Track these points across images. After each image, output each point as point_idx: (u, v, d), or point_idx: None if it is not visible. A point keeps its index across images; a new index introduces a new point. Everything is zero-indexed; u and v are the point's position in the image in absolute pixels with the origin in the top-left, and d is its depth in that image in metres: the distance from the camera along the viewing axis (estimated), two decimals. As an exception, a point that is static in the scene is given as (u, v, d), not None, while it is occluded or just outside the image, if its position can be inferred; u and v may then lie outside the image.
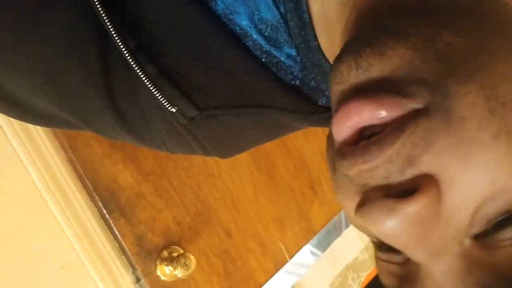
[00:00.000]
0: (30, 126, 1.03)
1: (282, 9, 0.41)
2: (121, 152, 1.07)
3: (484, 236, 0.29)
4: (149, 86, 0.44)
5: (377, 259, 0.35)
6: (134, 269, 1.09)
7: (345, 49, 0.31)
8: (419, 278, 0.30)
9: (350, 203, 0.31)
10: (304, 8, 0.40)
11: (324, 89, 0.46)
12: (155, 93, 0.45)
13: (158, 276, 1.09)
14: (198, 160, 1.18)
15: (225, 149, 0.53)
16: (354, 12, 0.35)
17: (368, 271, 1.51)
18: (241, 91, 0.46)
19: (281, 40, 0.43)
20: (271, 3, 0.41)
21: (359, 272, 1.49)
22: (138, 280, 1.10)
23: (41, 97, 0.48)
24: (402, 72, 0.28)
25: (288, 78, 0.46)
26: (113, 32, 0.42)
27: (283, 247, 1.29)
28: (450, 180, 0.27)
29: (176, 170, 1.15)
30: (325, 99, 0.48)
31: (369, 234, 0.34)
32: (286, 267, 1.30)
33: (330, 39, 0.41)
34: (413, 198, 0.27)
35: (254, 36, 0.43)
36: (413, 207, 0.27)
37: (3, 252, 0.99)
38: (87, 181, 1.04)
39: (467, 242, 0.29)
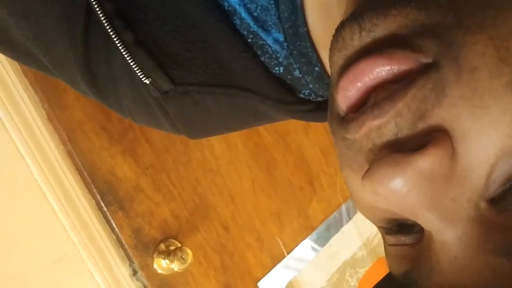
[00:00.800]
0: (30, 118, 1.03)
1: None
2: (119, 146, 1.08)
3: (502, 199, 0.27)
4: (124, 53, 0.43)
5: (386, 246, 0.33)
6: (131, 261, 1.10)
7: (346, 18, 0.30)
8: (433, 253, 0.29)
9: (358, 176, 0.29)
10: None
11: (309, 81, 0.45)
12: (130, 62, 0.43)
13: (155, 269, 1.09)
14: (197, 154, 1.18)
15: (195, 130, 0.51)
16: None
17: (366, 268, 1.51)
18: (220, 70, 0.44)
19: (270, 22, 0.42)
20: None
21: (357, 268, 1.49)
22: (135, 272, 1.11)
23: (18, 29, 0.46)
24: (407, 28, 0.27)
25: (272, 63, 0.44)
26: None
27: (281, 243, 1.29)
28: (463, 133, 0.26)
29: (174, 164, 1.15)
30: (307, 91, 0.46)
31: (378, 217, 0.32)
32: (284, 261, 1.30)
33: (327, 26, 0.39)
34: (425, 150, 0.25)
35: (243, 14, 0.42)
36: (425, 161, 0.25)
37: (2, 244, 0.99)
38: (85, 173, 1.04)
39: (483, 205, 0.27)
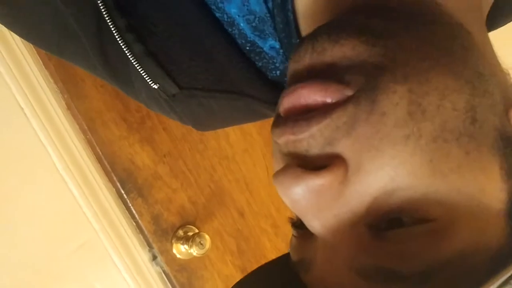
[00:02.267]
0: (50, 108, 1.06)
1: (270, 4, 0.43)
2: (138, 134, 1.10)
3: (378, 229, 0.31)
4: (134, 63, 0.47)
5: (292, 236, 0.38)
6: (150, 247, 1.13)
7: (307, 35, 0.33)
8: (314, 251, 0.33)
9: (276, 168, 0.33)
10: (289, 6, 0.42)
11: None
12: (140, 70, 0.47)
13: (174, 254, 1.12)
14: (213, 142, 1.21)
15: (202, 125, 0.55)
16: (336, 13, 0.38)
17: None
18: (221, 77, 0.49)
19: (267, 32, 0.46)
20: None
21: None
22: (154, 258, 1.14)
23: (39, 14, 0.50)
24: (348, 61, 0.30)
25: (269, 68, 0.48)
26: (103, 12, 0.45)
27: (295, 228, 1.31)
28: (358, 166, 0.30)
29: (191, 152, 1.17)
30: None
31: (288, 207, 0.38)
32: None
33: None
34: (319, 172, 0.30)
35: (241, 24, 0.46)
36: (317, 181, 0.29)
37: (25, 232, 1.02)
38: (105, 162, 1.07)
39: (362, 229, 0.31)
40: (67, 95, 1.05)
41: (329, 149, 0.30)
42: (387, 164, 0.29)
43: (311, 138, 0.30)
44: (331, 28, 0.32)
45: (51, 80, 1.06)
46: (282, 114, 0.33)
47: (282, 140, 0.32)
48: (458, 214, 0.30)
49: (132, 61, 0.47)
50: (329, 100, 0.30)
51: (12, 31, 0.56)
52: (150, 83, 0.48)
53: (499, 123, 0.31)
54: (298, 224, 0.36)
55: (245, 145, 1.26)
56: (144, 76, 0.48)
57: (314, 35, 0.32)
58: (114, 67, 0.50)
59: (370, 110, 0.29)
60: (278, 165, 0.34)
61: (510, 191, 0.31)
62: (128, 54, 0.46)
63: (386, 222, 0.31)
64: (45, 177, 1.04)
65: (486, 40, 0.37)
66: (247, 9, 0.44)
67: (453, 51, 0.32)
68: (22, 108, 1.03)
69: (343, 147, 0.30)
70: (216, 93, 0.49)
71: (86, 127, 1.06)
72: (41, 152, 1.05)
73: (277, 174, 0.31)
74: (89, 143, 1.07)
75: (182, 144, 1.16)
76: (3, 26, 0.54)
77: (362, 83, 0.30)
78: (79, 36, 0.48)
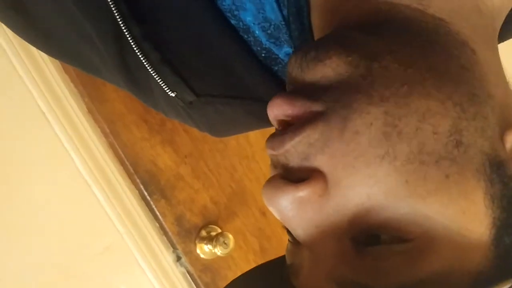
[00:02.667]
0: (71, 112, 1.06)
1: (285, 12, 0.43)
2: (159, 136, 1.10)
3: (358, 244, 0.31)
4: (151, 71, 0.47)
5: (288, 241, 0.38)
6: (174, 248, 1.13)
7: (304, 46, 0.34)
8: (302, 258, 0.34)
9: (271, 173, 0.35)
10: (305, 14, 0.42)
11: None
12: (157, 79, 0.48)
13: (198, 255, 1.12)
14: (233, 142, 1.21)
15: (219, 132, 0.56)
16: (340, 24, 0.38)
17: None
18: (238, 84, 0.49)
19: (282, 39, 0.46)
20: (275, 5, 0.43)
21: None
22: (179, 258, 1.14)
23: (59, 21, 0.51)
24: (327, 80, 0.31)
25: (285, 73, 0.48)
26: (119, 21, 0.45)
27: (316, 225, 1.32)
28: (336, 181, 0.30)
29: (211, 153, 1.17)
30: None
31: None
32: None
33: None
34: (299, 185, 0.30)
35: (257, 32, 0.46)
36: (297, 193, 0.30)
37: (51, 236, 1.03)
38: (128, 164, 1.07)
39: (345, 242, 0.31)
40: (87, 98, 1.06)
41: (306, 164, 0.31)
42: (363, 182, 0.29)
43: (287, 153, 0.31)
44: (322, 44, 0.33)
45: (72, 84, 1.06)
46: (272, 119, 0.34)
47: (268, 152, 0.33)
48: (437, 236, 0.30)
49: (149, 69, 0.47)
50: (295, 114, 0.31)
51: (41, 50, 0.57)
52: (167, 91, 0.48)
53: (489, 147, 0.31)
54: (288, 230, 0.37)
55: (264, 143, 1.26)
56: (161, 84, 0.48)
57: (307, 49, 0.33)
58: (133, 76, 0.50)
59: (342, 127, 0.29)
60: (270, 173, 0.35)
61: (495, 217, 0.31)
62: (145, 62, 0.47)
63: (366, 238, 0.31)
64: (69, 181, 1.05)
65: (493, 58, 0.37)
66: (262, 17, 0.45)
67: (446, 72, 0.32)
68: (43, 113, 1.04)
69: (319, 162, 0.30)
70: (232, 99, 0.50)
71: (107, 130, 1.06)
72: (64, 157, 1.05)
73: (264, 184, 0.32)
74: (111, 146, 1.08)
75: (203, 145, 1.16)
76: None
77: (332, 100, 0.30)
78: (100, 47, 0.49)
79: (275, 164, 0.33)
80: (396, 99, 0.30)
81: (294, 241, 0.35)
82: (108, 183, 1.08)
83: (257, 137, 1.25)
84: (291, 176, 0.31)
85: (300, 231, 0.32)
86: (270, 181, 0.31)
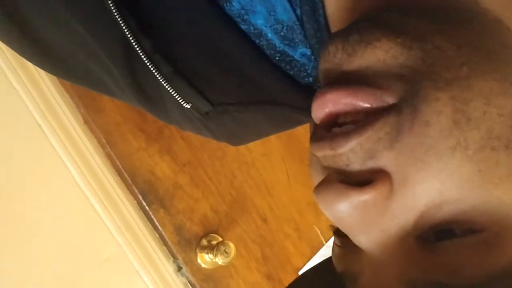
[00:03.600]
0: (67, 123, 1.05)
1: (298, 12, 0.42)
2: (157, 145, 1.10)
3: (425, 241, 0.30)
4: (165, 85, 0.46)
5: (333, 244, 0.36)
6: (175, 258, 1.12)
7: (339, 31, 0.31)
8: (361, 264, 0.32)
9: (316, 179, 0.32)
10: (321, 11, 0.41)
11: None
12: (171, 91, 0.47)
13: (199, 264, 1.11)
14: (231, 149, 1.20)
15: (236, 140, 0.55)
16: (363, 14, 0.36)
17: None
18: (254, 89, 0.47)
19: (297, 40, 0.44)
20: (287, 5, 0.42)
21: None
22: (179, 268, 1.13)
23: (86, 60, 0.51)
24: (382, 65, 0.29)
25: (301, 75, 0.47)
26: (129, 36, 0.44)
27: (318, 231, 1.30)
28: (403, 180, 0.28)
29: (210, 160, 1.16)
30: None
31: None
32: (322, 251, 1.31)
33: None
34: (364, 189, 0.28)
35: (269, 35, 0.44)
36: (361, 197, 0.28)
37: (50, 249, 1.02)
38: (125, 175, 1.06)
39: (411, 241, 0.30)
40: (83, 109, 1.05)
41: (371, 164, 0.29)
42: (434, 177, 0.28)
43: (350, 153, 0.29)
44: (363, 27, 0.30)
45: (67, 95, 1.05)
46: (315, 126, 0.32)
47: (319, 154, 0.31)
48: (510, 224, 0.29)
49: (162, 82, 0.46)
50: (360, 104, 0.29)
51: (48, 72, 0.56)
52: (182, 103, 0.47)
53: None
54: (341, 233, 0.35)
55: (263, 150, 1.25)
56: (176, 97, 0.47)
57: (346, 33, 0.30)
58: (145, 91, 0.49)
59: (413, 119, 0.28)
60: (317, 176, 0.33)
61: None
62: (157, 75, 0.46)
63: (435, 234, 0.30)
64: (67, 193, 1.04)
65: None
66: (274, 19, 0.43)
67: (493, 51, 0.30)
68: (39, 125, 1.03)
69: (386, 161, 0.28)
70: (249, 106, 0.48)
71: (104, 141, 1.05)
72: (61, 168, 1.04)
73: (319, 189, 0.30)
74: (108, 156, 1.07)
75: (201, 152, 1.15)
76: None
77: (403, 90, 0.28)
78: (109, 66, 0.48)
79: (327, 166, 0.31)
80: (460, 82, 0.28)
81: (347, 245, 0.33)
82: (106, 194, 1.07)
83: (255, 143, 1.23)
84: (350, 179, 0.29)
85: (363, 238, 0.30)
86: (327, 186, 0.29)
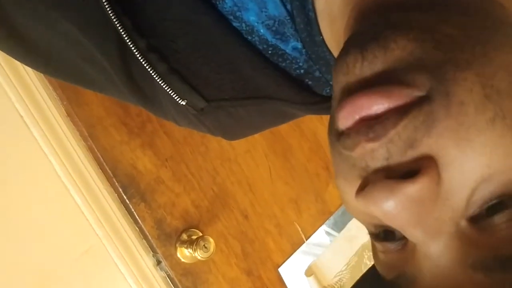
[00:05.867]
0: (50, 116, 1.05)
1: (288, 7, 0.43)
2: (139, 139, 1.10)
3: (480, 219, 0.30)
4: (160, 82, 0.47)
5: (375, 251, 0.36)
6: (154, 252, 1.12)
7: (352, 42, 0.32)
8: (417, 262, 0.31)
9: (351, 187, 0.32)
10: (310, 6, 0.42)
11: (329, 79, 0.48)
12: (166, 88, 0.48)
13: (178, 259, 1.12)
14: (214, 144, 1.20)
15: (232, 135, 0.56)
16: (356, 10, 0.37)
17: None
18: (248, 85, 0.48)
19: (288, 34, 0.45)
20: (277, 0, 0.43)
21: (375, 251, 1.51)
22: (159, 262, 1.13)
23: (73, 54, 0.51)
24: (404, 62, 0.29)
25: (293, 68, 0.48)
26: (123, 35, 0.45)
27: (299, 228, 1.31)
28: (448, 162, 0.28)
29: (193, 155, 1.17)
30: (329, 88, 0.50)
31: (366, 221, 0.35)
32: (303, 247, 1.32)
33: (333, 33, 0.43)
34: (415, 179, 0.28)
35: (261, 31, 0.45)
36: (414, 188, 0.28)
37: (28, 240, 1.02)
38: (107, 168, 1.06)
39: (463, 223, 0.30)
40: (66, 102, 1.05)
41: (411, 152, 0.29)
42: (480, 152, 0.28)
43: (390, 143, 0.29)
44: (375, 34, 0.31)
45: (50, 87, 1.05)
46: (345, 131, 0.31)
47: (358, 151, 0.30)
48: None
49: (157, 80, 0.47)
50: (393, 105, 0.29)
51: (41, 73, 0.57)
52: (177, 100, 0.48)
53: None
54: (382, 237, 0.34)
55: (247, 146, 1.26)
56: (171, 94, 0.48)
57: (361, 43, 0.31)
58: (140, 89, 0.50)
59: (447, 103, 0.28)
60: (353, 183, 0.32)
61: None
62: (152, 73, 0.47)
63: (488, 209, 0.30)
64: (47, 185, 1.04)
65: None
66: (266, 15, 0.44)
67: (496, 29, 0.31)
68: (21, 117, 1.03)
69: (427, 147, 0.28)
70: (243, 101, 0.49)
71: (86, 134, 1.05)
72: (42, 160, 1.04)
73: (365, 191, 0.29)
74: (90, 149, 1.07)
75: (184, 147, 1.16)
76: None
77: (430, 81, 0.29)
78: (104, 64, 0.49)
79: (365, 166, 0.30)
80: (479, 60, 0.29)
81: (395, 249, 0.33)
82: (87, 187, 1.07)
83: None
84: (394, 174, 0.29)
85: (419, 231, 0.30)
86: (374, 185, 0.29)
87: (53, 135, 1.05)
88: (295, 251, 1.30)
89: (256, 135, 1.27)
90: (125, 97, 0.53)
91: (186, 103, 0.49)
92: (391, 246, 0.34)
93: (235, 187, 1.22)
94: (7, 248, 1.00)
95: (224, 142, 1.22)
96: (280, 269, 1.27)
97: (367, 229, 0.36)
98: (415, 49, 0.29)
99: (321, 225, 1.36)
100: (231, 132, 0.55)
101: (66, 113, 1.07)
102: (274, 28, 0.45)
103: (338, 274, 1.39)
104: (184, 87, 0.48)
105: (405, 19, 0.31)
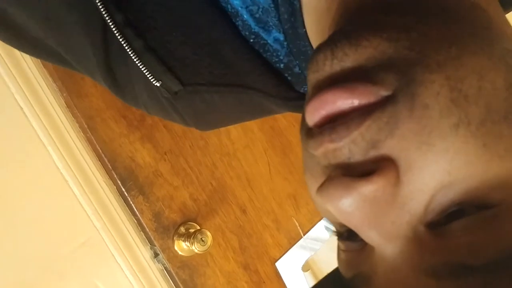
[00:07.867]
0: (50, 107, 1.06)
1: None
2: (138, 132, 1.10)
3: (438, 225, 0.29)
4: (135, 60, 0.46)
5: (338, 249, 0.36)
6: (152, 244, 1.13)
7: (325, 41, 0.31)
8: (373, 264, 0.31)
9: (314, 184, 0.32)
10: None
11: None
12: (141, 67, 0.46)
13: (176, 251, 1.12)
14: (214, 139, 1.20)
15: (204, 124, 0.54)
16: (341, 6, 0.36)
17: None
18: (226, 70, 0.47)
19: (271, 23, 0.44)
20: None
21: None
22: (156, 255, 1.14)
23: (39, 29, 0.50)
24: (374, 61, 0.29)
25: (273, 60, 0.47)
26: (101, 8, 0.44)
27: (297, 224, 1.31)
28: (409, 165, 0.28)
29: (192, 149, 1.17)
30: (306, 86, 0.48)
31: (331, 220, 0.35)
32: (301, 242, 1.32)
33: (319, 29, 0.42)
34: (370, 178, 0.28)
35: (245, 16, 0.44)
36: (369, 187, 0.28)
37: (27, 231, 1.02)
38: (106, 160, 1.06)
39: (421, 229, 0.29)
40: (66, 93, 1.05)
41: (373, 153, 0.28)
42: (441, 158, 0.28)
43: (352, 144, 0.28)
44: (348, 31, 0.31)
45: (50, 79, 1.05)
46: (312, 127, 0.31)
47: (320, 151, 0.30)
48: None
49: (133, 57, 0.46)
50: (357, 102, 0.28)
51: (31, 55, 0.57)
52: (152, 80, 0.47)
53: None
54: (346, 236, 0.34)
55: (246, 141, 1.26)
56: (146, 73, 0.46)
57: (332, 41, 0.30)
58: (113, 72, 0.49)
59: (411, 105, 0.28)
60: (315, 180, 0.32)
61: None
62: (128, 50, 0.45)
63: (446, 216, 0.29)
64: (46, 176, 1.05)
65: (503, 19, 0.36)
66: (250, 0, 0.43)
67: (475, 33, 0.31)
68: (21, 108, 1.03)
69: (389, 148, 0.28)
70: (220, 87, 0.48)
71: (86, 126, 1.05)
72: (41, 152, 1.05)
73: (322, 187, 0.29)
74: (89, 141, 1.07)
75: (183, 141, 1.16)
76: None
77: (397, 80, 0.28)
78: (84, 40, 0.48)
79: (328, 164, 0.30)
80: (452, 62, 0.28)
81: (355, 248, 0.33)
82: (86, 179, 1.07)
83: (239, 134, 1.24)
84: (353, 172, 0.28)
85: (373, 233, 0.29)
86: (331, 182, 0.28)
87: (53, 126, 1.05)
88: (292, 246, 1.30)
89: (256, 130, 1.27)
90: (99, 80, 0.52)
91: (160, 85, 0.47)
92: (352, 245, 0.34)
93: (233, 182, 1.23)
94: (5, 239, 1.01)
95: (223, 137, 1.22)
96: (277, 264, 1.28)
97: (334, 227, 0.36)
98: (388, 48, 0.29)
99: (319, 221, 1.37)
100: (204, 121, 0.53)
101: (66, 104, 1.07)
102: (257, 15, 0.44)
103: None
104: (160, 67, 0.46)
105: (382, 19, 0.31)
